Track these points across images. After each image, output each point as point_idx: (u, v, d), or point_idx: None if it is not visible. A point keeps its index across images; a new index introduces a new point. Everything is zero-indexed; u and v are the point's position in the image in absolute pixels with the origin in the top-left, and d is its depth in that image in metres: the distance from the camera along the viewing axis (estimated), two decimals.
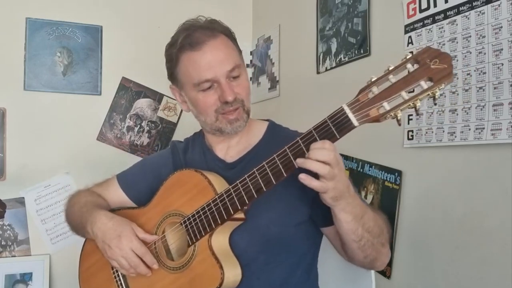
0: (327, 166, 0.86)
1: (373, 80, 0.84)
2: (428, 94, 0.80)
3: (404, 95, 0.81)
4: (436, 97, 0.80)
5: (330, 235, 1.11)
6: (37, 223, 2.11)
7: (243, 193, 0.97)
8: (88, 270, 1.26)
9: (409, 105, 0.81)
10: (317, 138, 0.87)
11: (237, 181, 0.98)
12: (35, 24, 2.14)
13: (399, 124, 0.83)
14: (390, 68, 0.83)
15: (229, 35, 1.14)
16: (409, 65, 0.81)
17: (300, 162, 0.87)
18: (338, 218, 0.95)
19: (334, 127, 0.86)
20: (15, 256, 2.06)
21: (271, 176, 0.92)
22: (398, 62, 0.85)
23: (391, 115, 0.83)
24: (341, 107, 0.86)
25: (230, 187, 1.00)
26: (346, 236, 0.99)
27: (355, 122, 0.85)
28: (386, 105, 0.82)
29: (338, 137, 0.86)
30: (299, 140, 0.90)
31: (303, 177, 0.88)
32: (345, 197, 0.91)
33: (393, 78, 0.82)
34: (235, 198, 0.98)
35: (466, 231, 1.23)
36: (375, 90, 0.83)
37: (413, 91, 0.82)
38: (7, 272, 2.03)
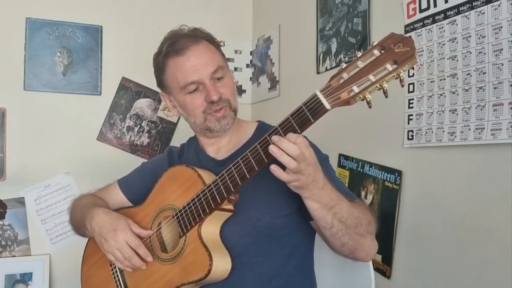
0: (295, 162, 0.91)
1: (343, 67, 0.90)
2: (394, 76, 0.85)
3: (372, 78, 0.86)
4: (401, 78, 0.85)
5: (316, 227, 1.14)
6: (37, 223, 2.11)
7: (228, 181, 1.02)
8: (88, 270, 1.30)
9: (377, 86, 0.86)
10: (294, 124, 0.93)
11: (223, 171, 1.03)
12: (35, 24, 2.14)
13: (370, 107, 0.88)
14: (359, 55, 0.89)
15: (211, 40, 1.21)
16: (375, 51, 0.87)
17: (271, 150, 0.92)
18: (306, 204, 1.01)
19: (309, 111, 0.91)
20: (15, 256, 2.06)
21: (254, 163, 0.97)
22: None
23: (360, 97, 0.88)
24: (314, 93, 0.92)
25: (217, 177, 1.05)
26: (317, 223, 1.04)
27: (327, 105, 0.90)
28: (355, 88, 0.88)
29: (313, 121, 0.92)
30: (278, 127, 0.95)
31: (274, 168, 0.93)
32: (308, 189, 0.96)
33: (361, 64, 0.88)
34: (221, 187, 1.03)
35: (466, 231, 1.23)
36: (345, 75, 0.89)
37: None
38: (7, 272, 2.03)
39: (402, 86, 0.89)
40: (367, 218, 1.06)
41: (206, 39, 1.19)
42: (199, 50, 1.15)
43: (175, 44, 1.16)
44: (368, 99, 0.88)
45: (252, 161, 0.97)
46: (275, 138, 0.92)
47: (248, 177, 0.98)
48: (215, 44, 1.22)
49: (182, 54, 1.15)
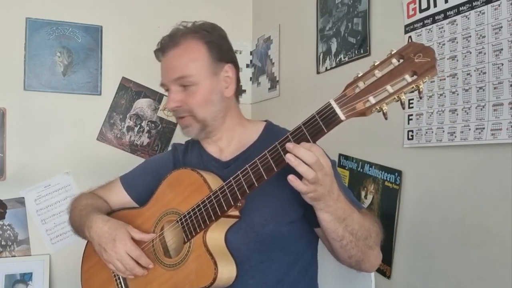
0: (312, 171, 0.88)
1: (359, 75, 0.86)
2: (413, 87, 0.82)
3: (389, 88, 0.83)
4: (421, 90, 0.82)
5: (321, 235, 1.12)
6: (37, 223, 2.11)
7: (236, 189, 0.99)
8: (89, 270, 1.28)
9: (394, 98, 0.83)
10: (306, 133, 0.90)
11: (231, 178, 1.01)
12: (35, 24, 2.14)
13: (386, 118, 0.85)
14: (376, 64, 0.85)
15: (208, 42, 1.16)
16: (394, 60, 0.83)
17: (289, 159, 0.89)
18: (318, 216, 0.98)
19: (322, 121, 0.88)
20: (15, 256, 2.06)
21: (263, 172, 0.95)
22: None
23: (376, 108, 0.85)
24: (328, 102, 0.88)
25: (224, 184, 1.02)
26: (327, 235, 1.01)
27: (342, 116, 0.87)
28: (372, 99, 0.84)
29: (326, 131, 0.89)
30: (289, 136, 0.92)
31: (292, 178, 0.90)
32: (324, 200, 0.94)
33: (378, 73, 0.84)
34: (228, 195, 1.00)
35: (466, 231, 1.23)
36: (361, 85, 0.85)
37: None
38: (7, 272, 2.03)
39: (421, 98, 0.86)
40: (375, 230, 1.04)
41: (199, 39, 1.15)
42: (173, 53, 1.15)
43: (160, 44, 1.19)
44: (384, 111, 0.84)
45: (261, 169, 0.94)
46: (290, 145, 0.89)
47: (256, 185, 0.96)
48: (211, 47, 1.16)
49: (163, 55, 1.18)
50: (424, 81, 0.81)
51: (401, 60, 0.83)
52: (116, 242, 1.09)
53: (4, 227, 2.06)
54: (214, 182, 1.08)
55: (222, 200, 1.01)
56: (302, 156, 0.88)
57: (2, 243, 2.05)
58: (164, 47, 1.17)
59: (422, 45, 0.83)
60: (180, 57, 1.15)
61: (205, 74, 1.15)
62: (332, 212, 0.96)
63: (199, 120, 1.16)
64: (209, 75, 1.15)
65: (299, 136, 0.91)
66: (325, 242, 1.11)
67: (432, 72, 0.81)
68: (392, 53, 0.84)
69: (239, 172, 0.99)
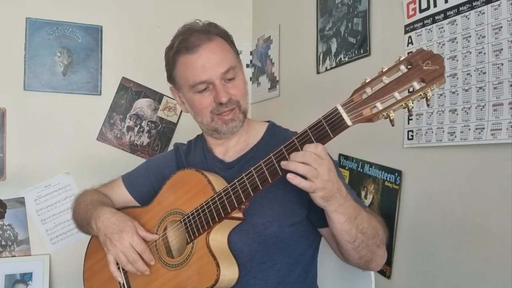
0: (307, 166, 0.88)
1: (367, 81, 0.86)
2: (420, 95, 0.82)
3: (397, 95, 0.83)
4: (428, 97, 0.82)
5: (327, 236, 1.12)
6: (37, 223, 2.11)
7: (240, 191, 0.99)
8: (91, 268, 1.28)
9: (402, 105, 0.83)
10: (312, 138, 0.90)
11: (235, 180, 1.00)
12: (35, 24, 2.14)
13: (392, 125, 0.85)
14: (384, 70, 0.85)
15: (226, 37, 1.17)
16: (402, 67, 0.83)
17: (283, 164, 0.89)
18: (331, 219, 0.97)
19: (328, 126, 0.88)
20: (15, 256, 2.06)
21: (267, 175, 0.94)
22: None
23: (383, 115, 0.85)
24: (335, 107, 0.88)
25: (228, 186, 1.02)
26: (340, 237, 1.00)
27: (348, 121, 0.87)
28: (379, 105, 0.84)
29: (332, 136, 0.89)
30: (295, 140, 0.92)
31: (290, 177, 0.90)
32: (336, 198, 0.92)
33: (386, 79, 0.84)
34: (232, 197, 1.00)
35: (466, 231, 1.23)
36: (369, 90, 0.85)
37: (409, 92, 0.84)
38: (7, 272, 2.03)
39: (428, 105, 0.87)
40: (382, 228, 1.04)
41: (220, 36, 1.15)
42: (211, 48, 1.10)
43: (186, 40, 1.11)
44: (391, 117, 0.84)
45: (266, 172, 0.94)
46: (284, 163, 0.90)
47: (261, 188, 0.95)
48: (230, 42, 1.17)
49: (193, 52, 1.10)
50: (432, 88, 0.81)
51: (410, 67, 0.83)
52: (123, 234, 1.10)
53: (4, 227, 2.06)
54: (219, 183, 1.08)
55: (226, 202, 1.01)
56: (299, 159, 0.89)
57: (2, 243, 2.05)
58: (198, 43, 1.10)
59: (431, 52, 0.83)
60: (221, 50, 1.12)
61: (240, 66, 1.18)
62: (344, 211, 0.95)
63: (242, 111, 1.15)
64: (242, 68, 1.19)
65: (304, 140, 0.90)
66: (333, 244, 1.11)
67: (440, 80, 0.81)
68: (401, 59, 0.84)
69: (243, 174, 0.98)
